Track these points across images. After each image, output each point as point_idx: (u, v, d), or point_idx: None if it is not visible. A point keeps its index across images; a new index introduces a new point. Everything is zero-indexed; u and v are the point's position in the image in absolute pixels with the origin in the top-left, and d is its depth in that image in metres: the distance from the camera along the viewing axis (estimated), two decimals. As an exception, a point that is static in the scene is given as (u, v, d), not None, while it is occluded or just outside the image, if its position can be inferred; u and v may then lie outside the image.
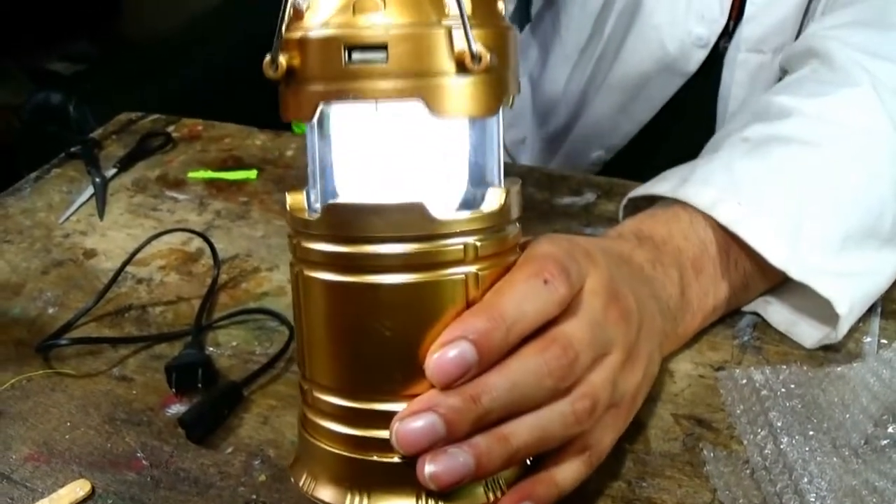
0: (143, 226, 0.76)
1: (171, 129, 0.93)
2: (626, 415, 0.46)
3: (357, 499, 0.40)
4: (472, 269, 0.39)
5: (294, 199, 0.41)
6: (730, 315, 0.59)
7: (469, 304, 0.39)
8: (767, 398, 0.49)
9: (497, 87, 0.39)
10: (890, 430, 0.46)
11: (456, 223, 0.38)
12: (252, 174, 0.82)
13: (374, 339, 0.39)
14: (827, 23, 0.71)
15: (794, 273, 0.54)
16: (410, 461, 0.39)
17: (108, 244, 0.74)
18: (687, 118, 0.94)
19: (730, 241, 0.56)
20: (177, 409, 0.55)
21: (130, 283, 0.68)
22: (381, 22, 0.37)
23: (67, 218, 0.78)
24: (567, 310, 0.41)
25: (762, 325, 0.58)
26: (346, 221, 0.38)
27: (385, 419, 0.39)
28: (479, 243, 0.39)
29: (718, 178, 0.57)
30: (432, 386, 0.39)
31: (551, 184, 0.78)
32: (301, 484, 0.43)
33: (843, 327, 0.54)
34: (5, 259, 0.73)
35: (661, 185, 0.60)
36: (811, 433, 0.46)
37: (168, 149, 0.89)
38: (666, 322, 0.52)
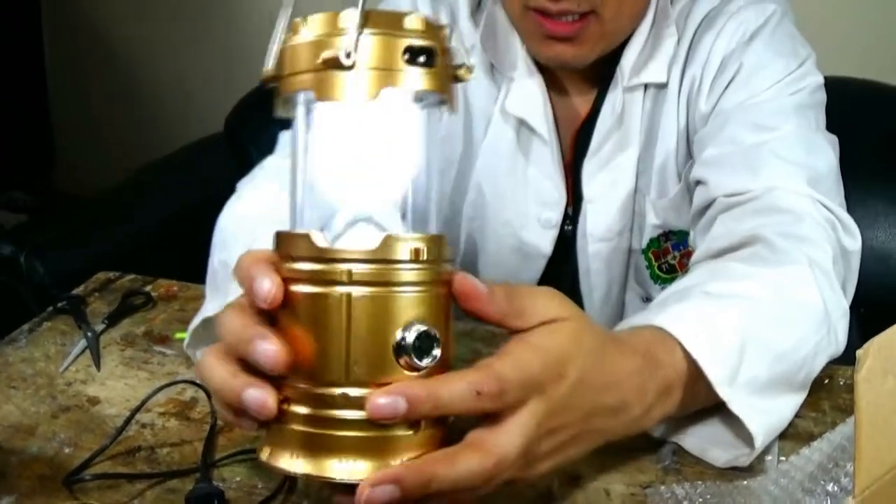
0: (138, 377, 0.86)
1: (148, 288, 1.04)
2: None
3: None
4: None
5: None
6: (653, 444, 0.72)
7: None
8: (687, 508, 0.62)
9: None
10: (787, 523, 0.60)
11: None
12: (231, 331, 0.93)
13: None
14: (753, 222, 0.82)
15: (734, 407, 0.65)
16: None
17: (109, 392, 0.83)
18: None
19: (696, 377, 0.65)
20: (196, 533, 0.65)
21: (136, 428, 0.77)
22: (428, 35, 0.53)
23: (66, 368, 0.88)
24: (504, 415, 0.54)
25: (680, 450, 0.71)
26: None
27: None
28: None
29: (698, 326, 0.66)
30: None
31: (492, 339, 0.92)
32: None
33: (754, 455, 0.67)
34: (13, 403, 0.82)
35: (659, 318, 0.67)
36: (723, 532, 0.59)
37: (149, 307, 1.00)
38: (611, 435, 0.62)
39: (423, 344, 0.52)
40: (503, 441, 0.54)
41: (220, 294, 0.80)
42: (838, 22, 1.87)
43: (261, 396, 0.53)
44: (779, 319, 0.71)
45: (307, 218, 0.56)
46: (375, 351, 0.52)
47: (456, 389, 0.52)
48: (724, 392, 0.65)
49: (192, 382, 0.81)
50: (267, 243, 0.77)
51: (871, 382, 0.41)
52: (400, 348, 0.52)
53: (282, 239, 0.55)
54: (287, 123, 1.10)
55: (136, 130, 2.73)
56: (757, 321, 0.69)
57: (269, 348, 0.52)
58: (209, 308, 0.81)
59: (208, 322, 0.81)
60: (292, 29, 0.55)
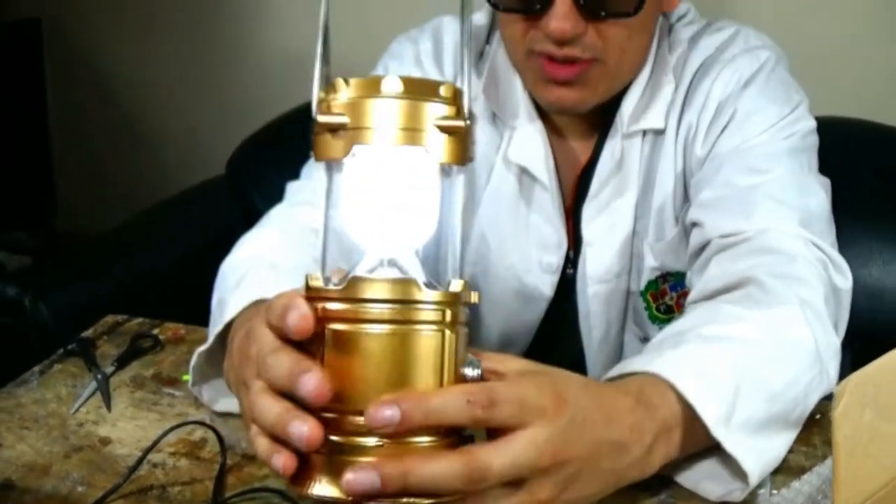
0: (148, 417, 0.88)
1: (156, 331, 1.06)
2: None
3: None
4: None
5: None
6: (648, 478, 0.73)
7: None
8: (682, 540, 0.64)
9: None
10: (781, 552, 0.62)
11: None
12: (239, 372, 0.96)
13: None
14: (747, 262, 0.84)
15: (729, 446, 0.67)
16: None
17: (120, 433, 0.85)
18: (561, 338, 1.11)
19: (692, 419, 0.67)
20: (209, 569, 0.67)
21: (147, 467, 0.80)
22: None
23: (77, 409, 0.90)
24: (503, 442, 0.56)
25: (674, 484, 0.73)
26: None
27: None
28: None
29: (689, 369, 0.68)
30: None
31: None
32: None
33: (748, 490, 0.69)
34: (27, 443, 0.84)
35: (655, 366, 0.69)
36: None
37: (158, 350, 1.02)
38: (619, 478, 0.64)
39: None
40: (491, 454, 0.56)
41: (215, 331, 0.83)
42: (834, 63, 1.91)
43: (303, 429, 0.55)
44: (772, 360, 0.73)
45: (332, 259, 0.60)
46: (453, 378, 0.58)
47: (447, 396, 0.56)
48: (719, 433, 0.67)
49: (203, 423, 0.83)
50: (257, 283, 0.80)
51: (849, 416, 0.43)
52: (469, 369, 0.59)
53: (353, 283, 0.57)
54: (295, 174, 1.13)
55: (138, 171, 2.76)
56: (751, 362, 0.71)
57: (313, 381, 0.55)
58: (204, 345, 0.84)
59: (213, 359, 0.84)
60: (367, 85, 0.57)
